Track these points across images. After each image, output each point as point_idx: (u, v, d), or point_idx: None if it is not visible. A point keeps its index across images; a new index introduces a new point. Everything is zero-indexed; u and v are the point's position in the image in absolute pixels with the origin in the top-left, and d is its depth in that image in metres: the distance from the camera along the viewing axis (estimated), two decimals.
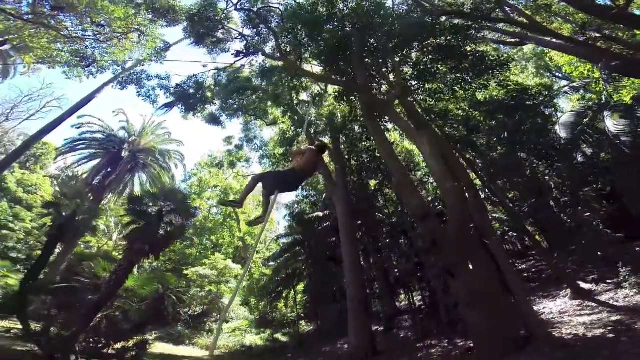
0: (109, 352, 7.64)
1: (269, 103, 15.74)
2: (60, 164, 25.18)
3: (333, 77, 12.48)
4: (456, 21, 11.00)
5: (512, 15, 13.11)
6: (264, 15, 12.92)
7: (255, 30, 13.42)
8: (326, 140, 15.92)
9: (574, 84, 13.86)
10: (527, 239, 13.30)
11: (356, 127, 14.85)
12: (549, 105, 12.62)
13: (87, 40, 10.75)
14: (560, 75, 19.72)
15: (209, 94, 15.24)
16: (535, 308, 8.54)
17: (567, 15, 13.46)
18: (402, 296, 15.30)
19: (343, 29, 11.10)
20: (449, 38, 10.42)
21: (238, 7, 12.63)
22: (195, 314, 19.75)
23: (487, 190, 13.03)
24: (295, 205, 19.95)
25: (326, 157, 13.83)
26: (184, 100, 14.40)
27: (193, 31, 12.13)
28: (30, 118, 26.67)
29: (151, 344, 8.86)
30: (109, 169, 21.84)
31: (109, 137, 23.21)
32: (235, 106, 15.78)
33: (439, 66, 11.01)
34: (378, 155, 13.49)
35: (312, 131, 14.59)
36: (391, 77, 12.12)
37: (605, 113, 10.35)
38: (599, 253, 9.02)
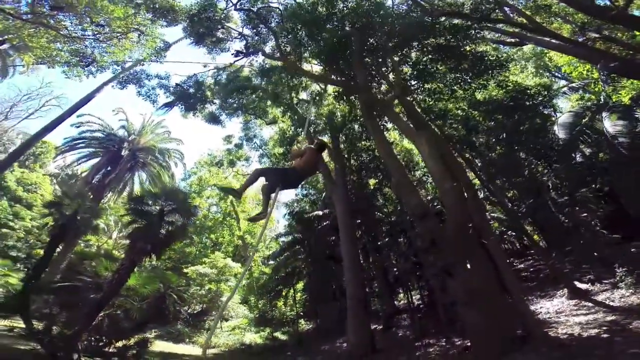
0: (110, 350, 7.71)
1: (269, 102, 15.78)
2: (60, 162, 25.20)
3: (333, 76, 12.51)
4: (456, 21, 11.02)
5: (511, 15, 13.15)
6: (263, 15, 12.92)
7: (255, 30, 13.43)
8: (326, 139, 15.97)
9: (573, 85, 13.93)
10: (525, 238, 13.38)
11: (356, 127, 14.88)
12: (548, 105, 12.66)
13: (86, 40, 10.76)
14: (559, 75, 19.78)
15: (208, 93, 15.27)
16: (533, 307, 8.63)
17: (566, 16, 13.48)
18: (401, 295, 15.38)
19: (343, 28, 11.12)
20: (448, 38, 10.45)
21: (238, 7, 12.63)
22: (195, 312, 19.84)
23: (485, 190, 13.11)
24: (295, 204, 20.01)
25: (326, 156, 13.87)
26: (184, 100, 14.42)
27: (193, 31, 12.12)
28: (30, 117, 26.66)
29: (152, 342, 8.93)
30: (109, 168, 21.86)
31: (109, 136, 23.22)
32: (235, 105, 15.81)
33: (439, 66, 11.05)
34: (377, 154, 13.54)
35: (312, 130, 14.63)
36: (391, 76, 12.16)
37: (604, 114, 10.39)
38: (595, 253, 9.09)
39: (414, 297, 13.73)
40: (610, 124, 9.90)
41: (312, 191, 19.62)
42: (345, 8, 11.10)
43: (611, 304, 7.33)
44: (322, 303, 15.35)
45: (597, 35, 12.86)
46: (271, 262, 19.22)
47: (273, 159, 16.50)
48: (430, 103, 12.42)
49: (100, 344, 7.51)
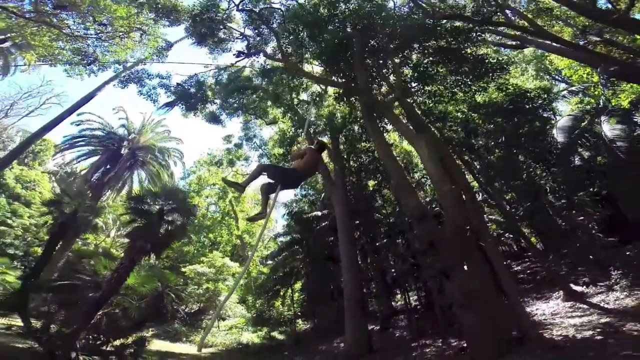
0: (107, 349, 7.73)
1: (269, 102, 15.82)
2: (59, 160, 25.17)
3: (333, 77, 12.55)
4: (457, 23, 11.06)
5: (513, 18, 13.18)
6: (265, 16, 12.95)
7: (256, 31, 13.47)
8: (325, 140, 16.03)
9: (573, 88, 13.94)
10: (522, 240, 13.46)
11: (355, 128, 14.94)
12: (548, 108, 12.71)
13: (88, 39, 10.78)
14: (559, 78, 19.85)
15: (209, 93, 15.29)
16: (529, 309, 8.70)
17: (568, 19, 13.52)
18: (399, 296, 15.44)
19: (344, 30, 11.17)
20: (449, 40, 10.49)
21: (240, 7, 12.65)
22: (192, 311, 19.85)
23: (484, 193, 13.17)
24: (294, 204, 20.05)
25: (325, 157, 13.92)
26: (185, 100, 14.43)
27: (195, 31, 12.14)
28: (30, 115, 26.58)
29: (150, 341, 8.95)
30: (108, 166, 21.84)
31: (109, 135, 23.21)
32: (236, 105, 15.85)
33: (439, 68, 11.10)
34: (377, 156, 13.59)
35: (312, 131, 14.68)
36: (391, 78, 12.21)
37: (603, 117, 10.42)
38: (591, 256, 9.17)
39: (411, 298, 13.79)
40: (608, 128, 9.91)
41: (311, 192, 19.67)
42: (346, 10, 11.14)
43: (606, 306, 7.40)
44: (320, 303, 15.38)
45: (598, 39, 12.90)
46: (269, 262, 19.24)
47: (273, 159, 16.54)
48: (430, 105, 12.47)
49: (98, 342, 7.53)
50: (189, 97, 14.46)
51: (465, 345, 7.33)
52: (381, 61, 11.88)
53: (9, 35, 10.60)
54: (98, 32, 10.65)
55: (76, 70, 11.28)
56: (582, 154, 10.59)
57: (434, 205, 13.56)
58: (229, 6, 12.86)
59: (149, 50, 12.41)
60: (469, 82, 10.95)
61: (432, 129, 11.91)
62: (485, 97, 12.67)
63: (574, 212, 10.09)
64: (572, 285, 9.09)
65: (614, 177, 9.89)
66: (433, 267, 8.42)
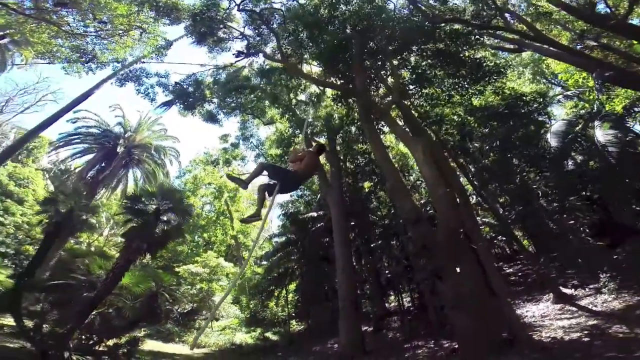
0: (100, 349, 7.70)
1: (267, 102, 15.83)
2: (53, 157, 24.91)
3: (332, 78, 12.61)
4: (456, 26, 11.16)
5: (512, 21, 13.25)
6: (266, 16, 12.97)
7: (256, 31, 13.48)
8: (322, 140, 16.10)
9: (568, 93, 14.10)
10: (515, 243, 13.62)
11: (353, 129, 15.00)
12: (543, 112, 12.84)
13: (88, 37, 10.73)
14: (555, 82, 20.05)
15: (207, 92, 15.27)
16: (519, 311, 8.83)
17: (566, 23, 13.64)
18: (392, 297, 15.52)
19: (344, 31, 11.23)
20: (448, 43, 10.58)
21: (241, 7, 12.65)
22: (185, 311, 19.74)
23: (478, 196, 13.29)
24: (290, 205, 20.03)
25: (322, 158, 13.97)
26: (183, 99, 14.40)
27: (195, 30, 12.12)
28: (25, 111, 26.29)
29: (143, 341, 8.93)
30: (103, 164, 21.68)
31: (105, 132, 23.04)
32: (233, 104, 15.84)
33: (437, 71, 11.19)
34: (373, 158, 13.67)
35: (309, 132, 14.72)
36: (389, 80, 12.30)
37: (596, 122, 10.56)
38: (579, 260, 9.32)
39: (404, 300, 13.89)
40: (601, 133, 10.05)
41: (307, 192, 19.67)
42: (347, 11, 11.20)
43: (594, 308, 7.56)
44: (315, 304, 15.40)
45: (595, 43, 13.05)
46: (264, 262, 19.22)
47: (269, 159, 16.55)
48: (427, 108, 12.57)
49: (91, 342, 7.51)
50: (187, 96, 14.43)
51: (456, 346, 7.42)
52: (380, 63, 11.97)
53: (7, 31, 10.52)
54: (98, 29, 10.61)
55: (74, 68, 11.23)
56: (575, 157, 10.74)
57: (428, 208, 13.66)
58: (229, 5, 12.87)
59: (149, 48, 12.36)
60: (466, 86, 11.05)
61: (428, 132, 12.02)
62: (482, 100, 12.79)
63: (564, 216, 10.24)
64: (561, 287, 9.24)
65: (606, 181, 10.05)
66: (426, 269, 8.52)
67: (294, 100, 15.51)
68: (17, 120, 27.30)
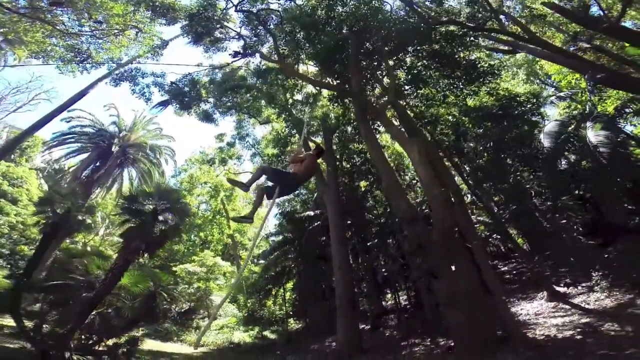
0: (100, 348, 7.73)
1: (263, 102, 15.85)
2: (47, 157, 24.68)
3: (328, 79, 12.66)
4: (452, 28, 11.27)
5: (507, 23, 13.40)
6: (263, 17, 12.96)
7: (253, 31, 13.47)
8: (318, 140, 16.18)
9: (561, 94, 14.30)
10: (509, 242, 13.82)
11: (349, 129, 15.09)
12: (536, 113, 13.02)
13: (82, 36, 10.64)
14: (549, 83, 20.29)
15: (203, 92, 15.24)
16: (514, 309, 9.00)
17: (560, 25, 13.84)
18: (389, 296, 15.68)
19: (340, 31, 11.28)
20: (443, 44, 10.69)
21: (238, 7, 12.62)
22: (183, 310, 19.75)
23: (473, 195, 13.45)
24: (286, 204, 20.09)
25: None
26: (179, 98, 14.36)
27: (191, 30, 12.07)
28: (18, 110, 25.95)
29: (142, 341, 8.97)
30: (98, 164, 21.52)
31: (99, 132, 22.85)
32: (229, 104, 15.82)
33: (432, 72, 11.30)
34: (369, 157, 13.76)
35: (306, 131, 14.77)
36: (385, 80, 12.38)
37: (588, 123, 10.72)
38: (572, 258, 9.50)
39: (401, 298, 14.04)
40: (593, 134, 10.22)
41: (304, 191, 19.72)
42: (343, 12, 11.25)
43: (587, 306, 7.73)
44: (312, 302, 15.50)
45: (587, 45, 13.24)
46: (261, 261, 19.28)
47: (265, 159, 16.58)
48: (422, 108, 12.68)
49: (91, 342, 7.53)
50: (183, 95, 14.38)
51: (452, 344, 7.56)
52: (375, 63, 12.05)
53: (0, 30, 10.41)
54: (93, 29, 10.52)
55: (69, 68, 11.14)
56: (568, 157, 10.92)
57: (423, 207, 13.80)
58: (226, 6, 12.83)
59: (144, 48, 12.29)
60: (461, 86, 11.19)
61: (424, 132, 12.13)
62: (477, 101, 12.94)
63: (557, 215, 10.42)
64: (555, 286, 9.42)
65: (597, 181, 10.24)
66: (421, 267, 8.65)
67: (290, 100, 15.53)
68: (9, 119, 26.98)
